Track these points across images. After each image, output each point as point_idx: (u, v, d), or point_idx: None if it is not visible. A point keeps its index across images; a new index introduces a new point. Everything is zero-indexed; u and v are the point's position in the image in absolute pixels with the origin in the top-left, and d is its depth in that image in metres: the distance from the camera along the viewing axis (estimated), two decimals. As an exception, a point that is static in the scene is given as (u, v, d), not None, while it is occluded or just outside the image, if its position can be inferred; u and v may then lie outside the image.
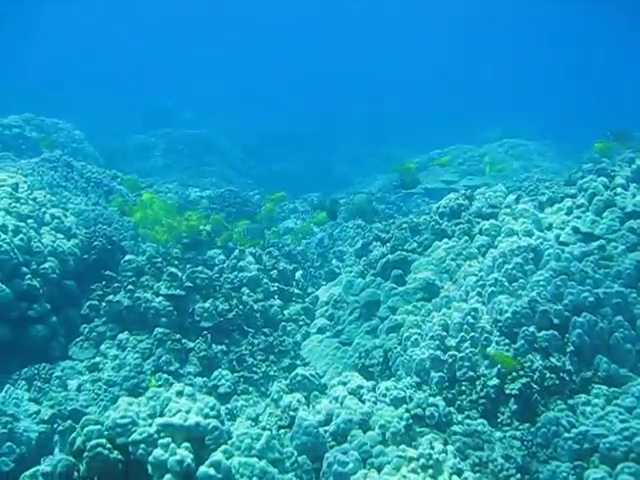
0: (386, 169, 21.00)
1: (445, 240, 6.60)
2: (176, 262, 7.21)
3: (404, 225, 7.34)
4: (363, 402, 4.47)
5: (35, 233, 6.25)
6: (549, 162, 17.24)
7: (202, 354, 5.93)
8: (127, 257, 6.52)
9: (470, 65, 42.02)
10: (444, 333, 5.24)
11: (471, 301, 5.37)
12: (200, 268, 6.53)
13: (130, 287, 6.23)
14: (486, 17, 44.21)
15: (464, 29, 46.22)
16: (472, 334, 5.02)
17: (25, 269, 5.87)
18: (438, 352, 5.07)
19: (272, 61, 45.78)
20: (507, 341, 4.81)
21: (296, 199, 14.66)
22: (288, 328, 6.67)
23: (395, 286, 6.37)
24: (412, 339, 5.47)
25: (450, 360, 4.97)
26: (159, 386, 5.16)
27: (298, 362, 6.26)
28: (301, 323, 6.85)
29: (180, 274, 6.37)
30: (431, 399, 4.47)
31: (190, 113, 23.97)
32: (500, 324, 4.88)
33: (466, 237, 6.51)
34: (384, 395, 4.52)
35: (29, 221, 6.36)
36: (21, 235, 6.04)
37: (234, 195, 12.34)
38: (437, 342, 5.18)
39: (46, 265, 6.07)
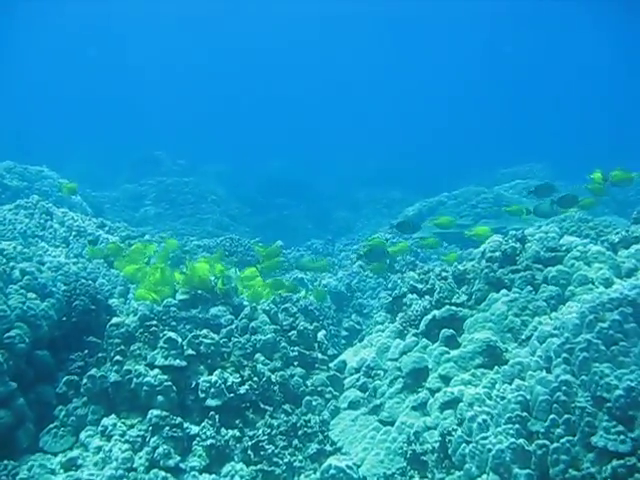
0: (388, 214, 20.35)
1: (504, 291, 5.48)
2: (174, 323, 6.07)
3: (446, 273, 6.24)
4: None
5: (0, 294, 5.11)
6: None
7: (209, 442, 4.77)
8: (114, 320, 5.39)
9: (471, 107, 41.87)
10: (524, 414, 4.09)
11: (557, 371, 4.22)
12: (204, 332, 5.38)
13: (118, 358, 5.10)
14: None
15: (467, 68, 46.24)
16: (566, 416, 3.86)
17: (-17, 339, 4.73)
18: (521, 441, 3.91)
19: (265, 106, 45.59)
20: (620, 428, 3.64)
21: (300, 247, 13.78)
22: (313, 403, 5.53)
23: (447, 349, 5.25)
24: (479, 420, 4.35)
25: (540, 452, 3.82)
26: None
27: (328, 447, 5.10)
28: (328, 396, 5.70)
29: (180, 340, 5.21)
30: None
31: (183, 160, 23.20)
32: (609, 405, 3.72)
33: (529, 287, 5.40)
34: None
35: (-8, 278, 5.24)
36: (-20, 296, 4.91)
37: (235, 243, 11.29)
38: (517, 426, 4.05)
39: (12, 333, 4.94)
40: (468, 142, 33.26)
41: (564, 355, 4.29)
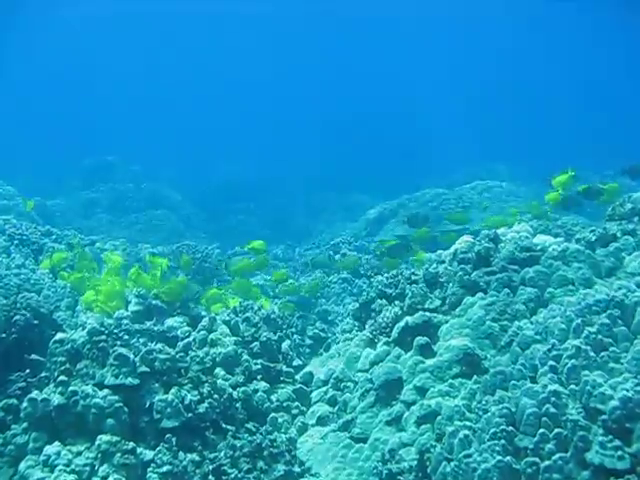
0: (348, 217, 20.06)
1: (480, 295, 5.17)
2: (126, 337, 5.61)
3: (416, 277, 5.91)
4: None
5: None
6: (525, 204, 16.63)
7: (165, 468, 4.35)
8: (58, 336, 4.91)
9: (428, 108, 41.99)
10: (510, 429, 3.76)
11: (543, 380, 3.91)
12: (159, 346, 4.93)
13: (62, 378, 4.62)
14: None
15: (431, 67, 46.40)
16: (557, 431, 3.54)
17: None
18: (508, 458, 3.58)
19: (218, 109, 44.96)
20: (617, 442, 3.34)
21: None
22: (279, 420, 5.15)
23: (421, 359, 4.92)
24: (460, 436, 4.01)
25: (530, 471, 3.52)
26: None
27: (296, 468, 4.73)
28: (295, 412, 5.34)
29: (132, 356, 4.74)
30: None
31: (137, 166, 22.48)
32: (604, 417, 3.40)
33: (506, 290, 5.10)
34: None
35: None
36: None
37: (192, 250, 10.79)
38: (503, 442, 3.73)
39: (-60, 354, 4.39)
40: (425, 144, 33.20)
41: (550, 363, 3.99)
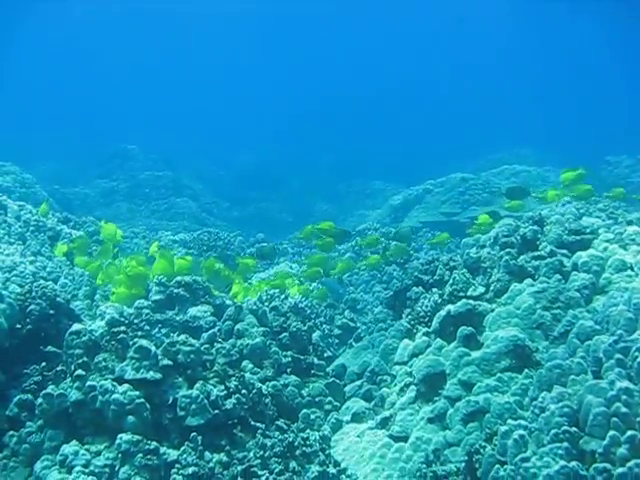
0: (371, 205, 19.73)
1: (528, 281, 4.75)
2: (147, 327, 5.29)
3: (455, 262, 5.51)
4: None
5: None
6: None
7: (191, 470, 4.00)
8: (74, 327, 4.55)
9: (450, 94, 41.38)
10: (574, 429, 3.35)
11: (610, 376, 3.49)
12: (182, 337, 4.57)
13: (79, 372, 4.26)
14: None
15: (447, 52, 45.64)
16: (630, 433, 3.13)
17: None
18: (574, 464, 3.18)
19: (239, 99, 44.64)
20: None
21: (282, 240, 13.03)
22: (312, 417, 4.81)
23: (466, 350, 4.52)
24: (515, 436, 3.61)
25: (600, 478, 3.08)
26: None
27: (331, 469, 4.36)
28: (328, 407, 4.97)
29: (154, 348, 4.39)
30: None
31: (156, 155, 22.23)
32: (687, 418, 3.00)
33: (557, 275, 4.68)
34: None
35: None
36: None
37: (213, 237, 10.49)
38: (566, 445, 3.31)
39: (-51, 348, 4.08)
40: (449, 130, 32.70)
41: (617, 356, 3.57)
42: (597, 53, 40.78)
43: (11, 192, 12.75)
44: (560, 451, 3.33)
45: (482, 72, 43.96)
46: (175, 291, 6.01)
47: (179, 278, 6.18)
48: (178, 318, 5.81)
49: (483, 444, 3.97)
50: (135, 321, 5.51)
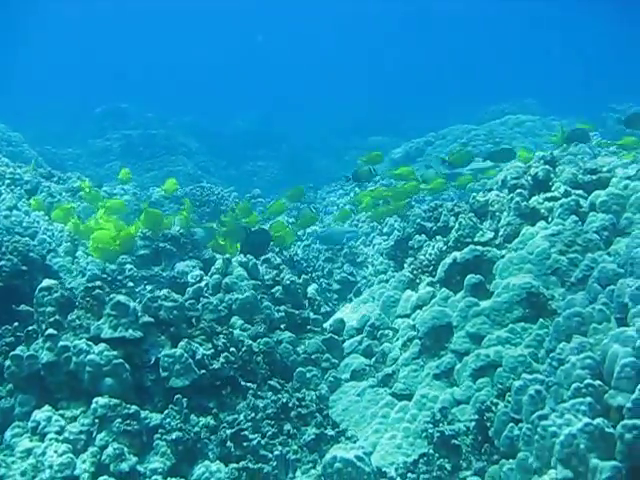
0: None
1: (542, 224, 4.34)
2: (131, 284, 4.92)
3: (460, 208, 5.10)
4: None
5: None
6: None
7: (175, 435, 3.65)
8: (45, 283, 4.16)
9: (446, 45, 40.55)
10: (598, 383, 2.98)
11: (637, 322, 3.11)
12: (164, 292, 4.19)
13: (51, 331, 3.89)
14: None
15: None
16: (664, 385, 2.76)
17: None
18: (599, 420, 2.82)
19: (237, 56, 43.84)
20: None
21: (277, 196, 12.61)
22: (308, 375, 4.46)
23: (475, 300, 4.14)
24: (531, 392, 3.25)
25: (629, 436, 2.74)
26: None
27: (329, 431, 4.01)
28: (325, 365, 4.62)
29: (132, 304, 4.01)
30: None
31: (151, 113, 21.72)
32: None
33: (574, 217, 4.27)
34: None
35: None
36: None
37: (206, 192, 10.09)
38: (589, 400, 2.94)
39: None
40: (449, 84, 32.02)
41: (645, 300, 3.19)
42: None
43: (-3, 149, 12.35)
44: (583, 407, 2.97)
45: (481, 24, 42.98)
46: (161, 245, 5.64)
47: (166, 232, 5.80)
48: (165, 274, 5.45)
49: (495, 401, 3.63)
50: (118, 277, 5.16)
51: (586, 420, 2.89)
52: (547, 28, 40.62)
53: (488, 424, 3.55)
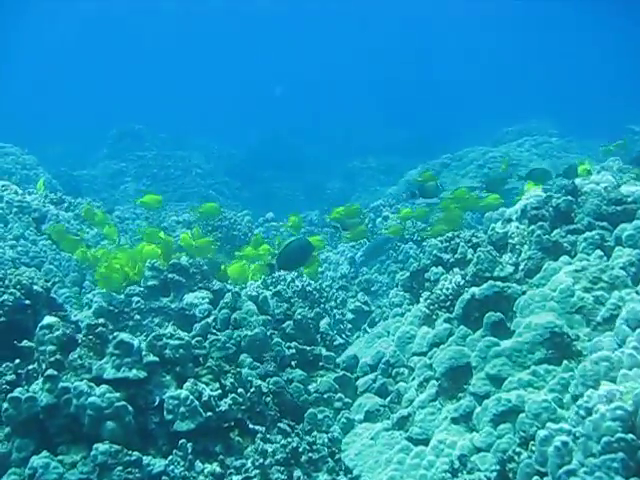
0: (386, 181, 19.14)
1: (565, 258, 4.14)
2: (138, 317, 4.77)
3: (478, 239, 4.91)
4: None
5: None
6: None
7: (179, 484, 3.42)
8: (46, 320, 3.99)
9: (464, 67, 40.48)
10: (631, 437, 2.78)
11: (672, 370, 2.89)
12: (170, 330, 4.02)
13: (51, 372, 3.72)
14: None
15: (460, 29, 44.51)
16: None
17: None
18: (635, 480, 2.61)
19: (249, 78, 44.01)
20: None
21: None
22: (319, 416, 4.24)
23: (495, 340, 3.92)
24: (557, 443, 3.03)
25: (668, 500, 2.51)
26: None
27: (342, 477, 3.85)
28: (338, 405, 4.41)
29: (135, 343, 3.84)
30: None
31: (165, 134, 21.74)
32: None
33: (598, 251, 4.07)
34: None
35: None
36: None
37: (219, 217, 9.90)
38: (622, 456, 2.74)
39: None
40: (465, 107, 31.86)
41: (680, 347, 2.98)
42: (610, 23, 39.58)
43: (11, 174, 12.38)
44: (615, 464, 2.75)
45: (494, 48, 42.91)
46: (170, 276, 5.48)
47: (174, 261, 5.64)
48: (173, 306, 5.29)
49: (517, 450, 3.40)
50: (125, 310, 5.01)
51: (619, 479, 2.69)
52: (560, 49, 40.57)
53: (510, 475, 3.34)
